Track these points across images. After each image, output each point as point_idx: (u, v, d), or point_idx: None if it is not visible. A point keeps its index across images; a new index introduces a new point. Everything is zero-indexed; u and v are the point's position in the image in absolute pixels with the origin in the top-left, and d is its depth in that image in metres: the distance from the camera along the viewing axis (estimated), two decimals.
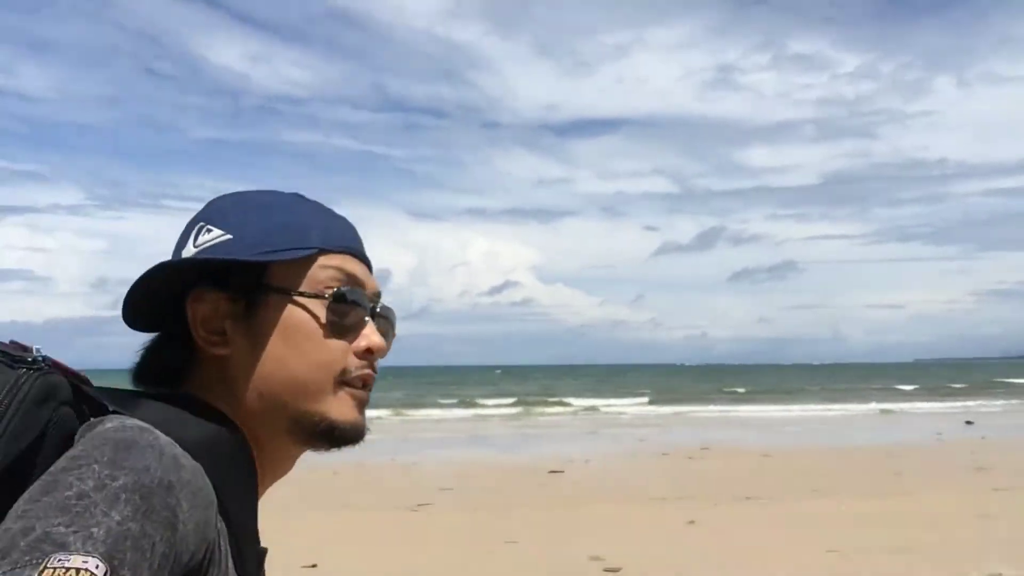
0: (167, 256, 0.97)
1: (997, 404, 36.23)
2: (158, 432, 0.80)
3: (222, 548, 0.82)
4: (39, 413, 0.80)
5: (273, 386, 0.92)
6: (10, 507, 0.72)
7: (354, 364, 0.94)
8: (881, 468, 14.24)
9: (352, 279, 0.96)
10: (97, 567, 0.67)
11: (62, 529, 0.69)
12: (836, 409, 33.68)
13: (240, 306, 0.93)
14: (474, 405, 36.92)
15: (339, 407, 0.93)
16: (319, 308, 0.93)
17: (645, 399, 40.48)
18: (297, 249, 0.94)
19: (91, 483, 0.72)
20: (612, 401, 38.86)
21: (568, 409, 35.72)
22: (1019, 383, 54.92)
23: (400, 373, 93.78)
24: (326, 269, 0.95)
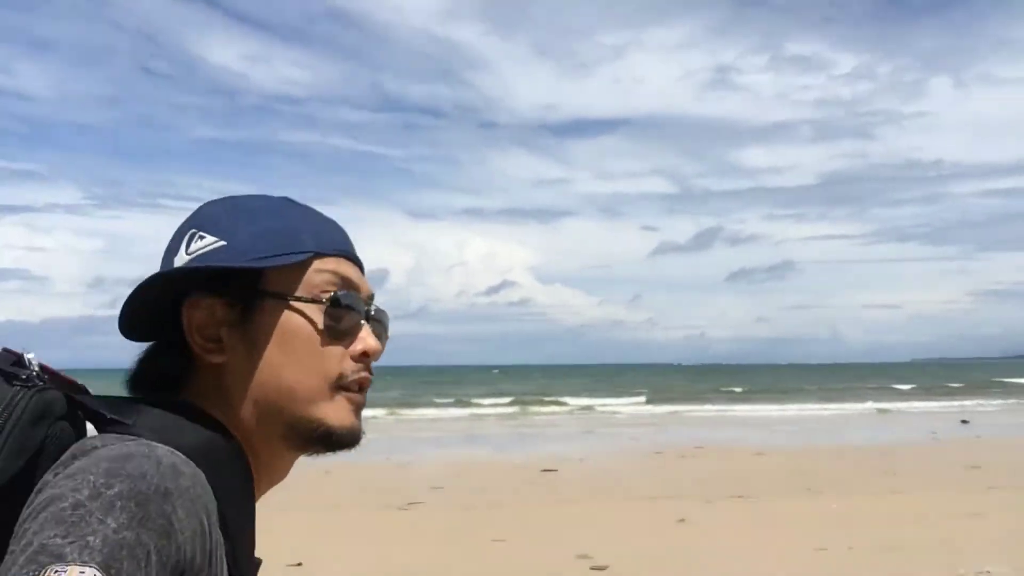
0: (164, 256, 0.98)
1: (994, 404, 36.24)
2: (156, 443, 0.80)
3: (218, 557, 0.81)
4: (35, 432, 0.81)
5: (270, 392, 0.91)
6: (13, 521, 0.74)
7: (350, 368, 0.93)
8: (874, 467, 14.19)
9: (347, 282, 0.96)
10: None
11: (58, 541, 0.69)
12: (832, 408, 33.66)
13: (236, 312, 0.93)
14: (470, 404, 36.86)
15: (336, 412, 0.93)
16: (316, 313, 0.93)
17: (642, 399, 40.45)
18: (292, 254, 0.93)
19: (86, 492, 0.72)
20: (608, 401, 38.83)
21: (564, 408, 35.70)
22: (1016, 383, 54.96)
23: (397, 373, 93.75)
24: (321, 273, 0.94)
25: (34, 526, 0.71)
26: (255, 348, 0.92)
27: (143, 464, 0.76)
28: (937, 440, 19.79)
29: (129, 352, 0.97)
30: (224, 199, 1.00)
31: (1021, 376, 62.39)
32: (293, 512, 9.26)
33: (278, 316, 0.92)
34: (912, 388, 49.15)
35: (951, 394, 43.39)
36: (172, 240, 0.98)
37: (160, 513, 0.73)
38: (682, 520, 9.38)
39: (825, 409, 33.50)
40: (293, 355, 0.92)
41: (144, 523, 0.72)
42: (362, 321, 0.95)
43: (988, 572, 6.89)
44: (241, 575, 0.86)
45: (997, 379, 60.93)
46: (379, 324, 0.98)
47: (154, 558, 0.71)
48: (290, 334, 0.92)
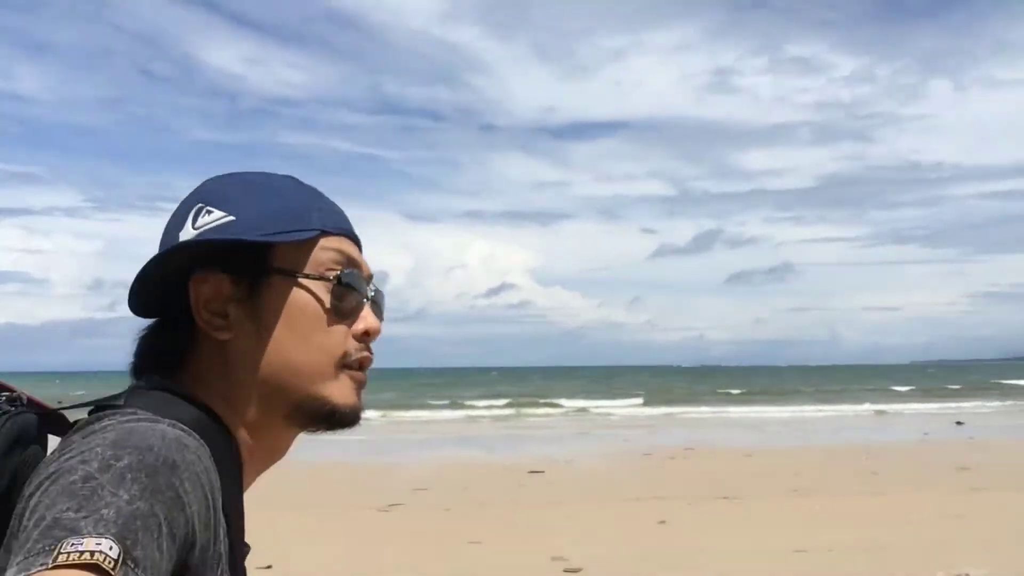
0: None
1: (990, 405, 36.12)
2: (158, 417, 0.82)
3: (220, 533, 0.82)
4: (9, 460, 0.81)
5: (276, 369, 0.91)
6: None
7: (354, 347, 0.94)
8: (862, 468, 14.10)
9: (351, 261, 0.96)
10: (111, 548, 0.67)
11: (71, 514, 0.69)
12: (829, 410, 33.54)
13: (243, 288, 0.92)
14: (464, 406, 36.75)
15: (341, 390, 0.93)
16: (322, 291, 0.93)
17: (639, 400, 40.34)
18: (300, 231, 0.93)
19: (96, 465, 0.73)
20: (603, 402, 38.70)
21: (558, 410, 35.56)
22: (1014, 384, 54.87)
23: (395, 375, 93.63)
24: (327, 251, 0.95)
25: (45, 500, 0.71)
26: (262, 325, 0.92)
27: (148, 436, 0.76)
28: (929, 441, 19.70)
29: (130, 355, 0.97)
30: (229, 175, 0.99)
31: (1019, 378, 62.31)
32: (271, 512, 9.17)
33: (286, 293, 0.92)
34: (910, 390, 49.02)
35: (948, 396, 43.23)
36: (175, 215, 0.97)
37: (169, 485, 0.73)
38: (663, 522, 9.30)
39: (821, 411, 33.39)
40: (300, 333, 0.92)
41: (155, 495, 0.72)
42: (364, 300, 0.96)
43: (967, 574, 6.80)
44: (234, 557, 0.86)
45: (995, 381, 60.85)
46: (377, 305, 0.99)
47: (165, 529, 0.72)
48: (297, 311, 0.92)
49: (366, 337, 0.95)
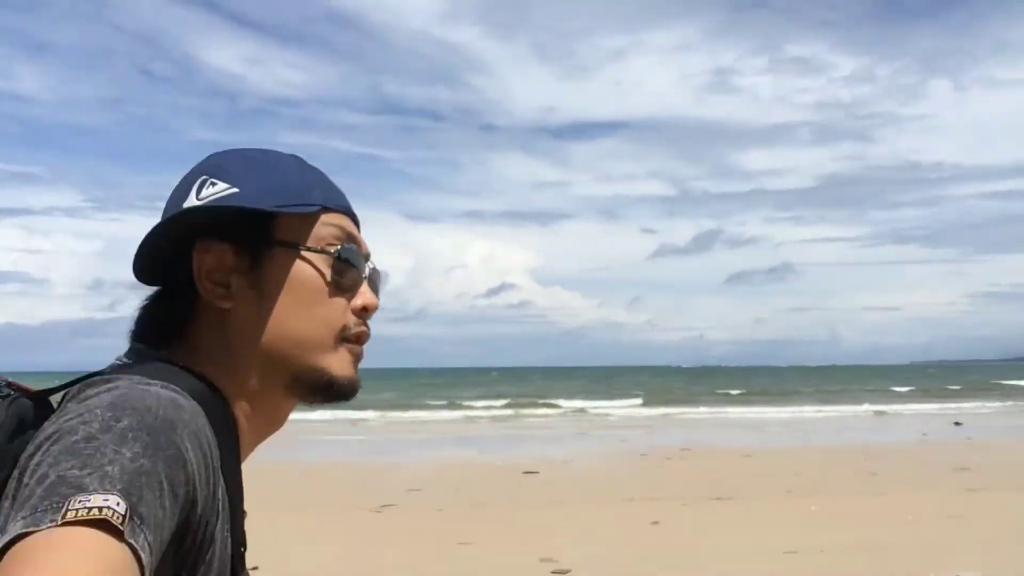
0: None
1: (990, 406, 36.00)
2: (152, 379, 0.83)
3: (220, 493, 0.83)
4: (12, 447, 0.81)
5: (277, 339, 0.93)
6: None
7: (353, 321, 0.96)
8: (860, 468, 14.00)
9: (352, 238, 0.98)
10: (118, 504, 0.68)
11: (76, 472, 0.69)
12: (828, 411, 33.43)
13: (246, 259, 0.94)
14: (463, 407, 36.64)
15: (340, 362, 0.95)
16: (324, 264, 0.95)
17: (638, 400, 40.23)
18: (303, 205, 0.95)
19: (96, 426, 0.73)
20: (602, 403, 38.59)
21: (557, 411, 35.45)
22: (1014, 385, 54.76)
23: (395, 375, 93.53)
24: (328, 227, 0.96)
25: (47, 459, 0.72)
26: (264, 295, 0.93)
27: (145, 397, 0.78)
28: (927, 442, 19.61)
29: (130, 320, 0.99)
30: (233, 150, 1.01)
31: (1019, 378, 62.21)
32: (262, 512, 9.08)
33: (288, 265, 0.94)
34: (909, 390, 48.90)
35: (948, 396, 43.12)
36: (179, 187, 0.97)
37: (169, 443, 0.75)
38: (656, 522, 9.22)
39: (820, 411, 33.30)
40: (302, 303, 0.93)
41: (156, 453, 0.73)
42: (363, 277, 0.98)
43: None
44: (235, 516, 0.88)
45: (995, 381, 60.76)
46: (373, 283, 1.01)
47: (167, 487, 0.73)
48: (299, 283, 0.94)
49: (364, 313, 0.97)
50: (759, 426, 25.67)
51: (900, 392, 47.44)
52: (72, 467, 0.70)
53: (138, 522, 0.69)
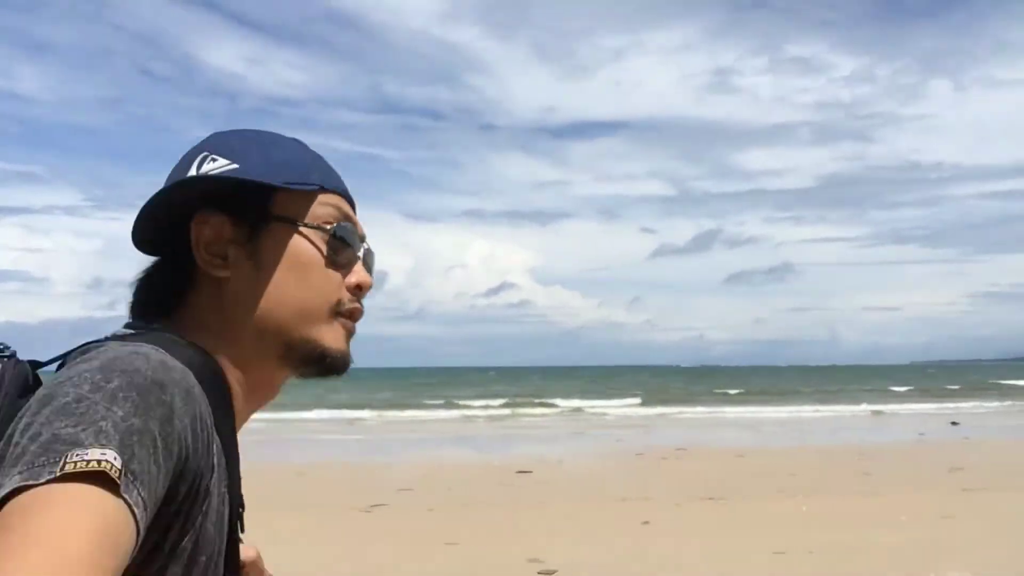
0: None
1: (989, 406, 35.92)
2: (142, 343, 0.84)
3: (214, 453, 0.84)
4: (16, 407, 0.81)
5: (272, 309, 0.94)
6: None
7: (347, 297, 0.98)
8: (854, 468, 13.93)
9: (348, 218, 1.01)
10: (115, 458, 0.69)
11: (70, 429, 0.71)
12: (826, 410, 33.36)
13: (243, 232, 0.95)
14: (459, 406, 36.55)
15: (333, 335, 0.97)
16: (320, 241, 0.97)
17: (636, 400, 40.15)
18: (302, 184, 0.97)
19: (87, 387, 0.75)
20: (599, 402, 38.51)
21: (554, 410, 35.36)
22: (1013, 384, 54.68)
23: (394, 375, 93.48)
24: (325, 207, 0.98)
25: (39, 419, 0.72)
26: (260, 266, 0.95)
27: (134, 360, 0.79)
28: (923, 441, 19.54)
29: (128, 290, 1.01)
30: (235, 130, 1.03)
31: (1018, 378, 62.13)
32: (254, 514, 9.05)
33: (286, 240, 0.96)
34: (909, 390, 48.82)
35: (947, 396, 43.04)
36: (180, 164, 0.99)
37: (159, 402, 0.76)
38: (646, 523, 9.14)
39: (818, 411, 33.23)
40: (298, 275, 0.95)
41: (147, 411, 0.74)
42: (358, 256, 1.00)
43: None
44: (232, 473, 0.89)
45: (994, 381, 60.68)
46: (367, 264, 1.03)
47: (160, 445, 0.74)
48: (296, 256, 0.95)
49: (358, 291, 1.00)
50: (756, 426, 25.60)
51: (899, 392, 47.36)
52: (66, 425, 0.71)
53: (131, 478, 0.70)
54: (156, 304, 0.97)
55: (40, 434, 0.71)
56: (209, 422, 0.84)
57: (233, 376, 0.94)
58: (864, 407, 34.34)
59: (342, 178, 1.04)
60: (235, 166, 0.95)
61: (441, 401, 39.56)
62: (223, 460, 0.87)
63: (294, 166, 0.98)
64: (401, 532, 8.93)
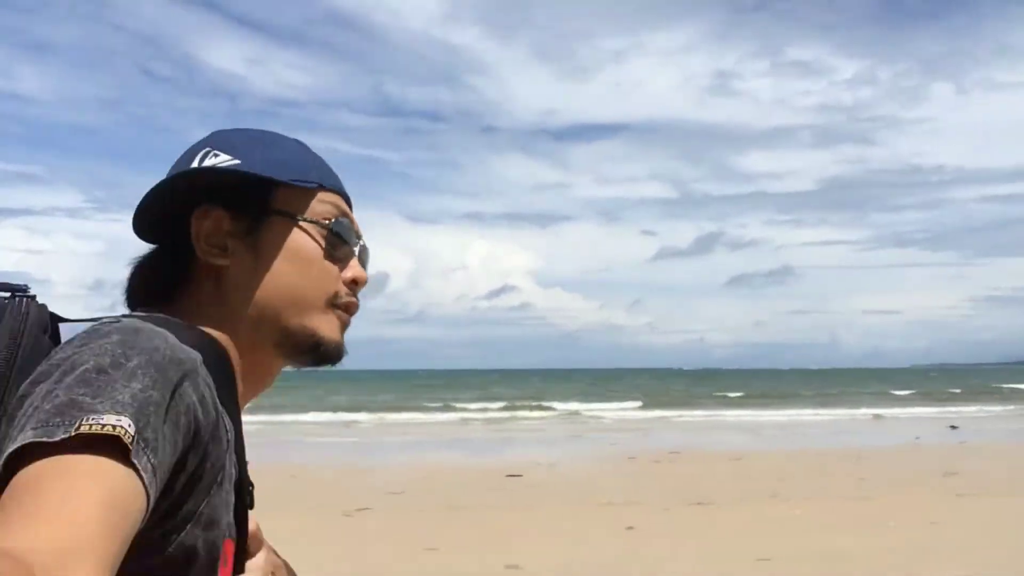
0: None
1: (989, 409, 35.75)
2: (158, 326, 0.86)
3: (223, 429, 0.87)
4: (41, 344, 0.86)
5: (269, 297, 0.97)
6: None
7: (344, 291, 1.01)
8: (849, 472, 13.79)
9: (345, 215, 1.04)
10: (129, 425, 0.72)
11: (88, 398, 0.73)
12: (825, 414, 33.26)
13: (243, 225, 0.98)
14: (457, 409, 36.42)
15: (328, 325, 1.00)
16: (318, 236, 1.00)
17: (636, 403, 40.00)
18: (302, 181, 1.00)
19: (108, 360, 0.77)
20: (596, 405, 38.37)
21: (551, 413, 35.23)
22: (1014, 388, 54.50)
23: (394, 377, 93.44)
24: (324, 204, 1.02)
25: (58, 387, 0.75)
26: (260, 257, 0.98)
27: (153, 338, 0.81)
28: (919, 446, 19.37)
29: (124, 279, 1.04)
30: (237, 128, 1.06)
31: (1020, 382, 61.91)
32: None
33: (285, 233, 0.99)
34: (910, 394, 48.67)
35: (948, 400, 42.91)
36: (181, 160, 1.02)
37: (174, 379, 0.79)
38: (631, 528, 9.00)
39: (817, 415, 33.11)
40: (296, 266, 0.98)
41: (164, 387, 0.77)
42: (354, 252, 1.04)
43: None
44: (240, 457, 0.93)
45: (995, 385, 60.48)
46: (363, 261, 1.06)
47: (172, 418, 0.77)
48: (294, 249, 0.98)
49: (354, 285, 1.03)
50: (754, 429, 25.47)
51: (899, 396, 47.21)
52: (84, 394, 0.73)
53: (143, 445, 0.72)
54: (156, 292, 0.99)
55: (58, 396, 0.73)
56: (217, 402, 0.86)
57: (234, 360, 0.97)
58: (864, 411, 34.20)
59: (341, 179, 1.07)
60: (237, 162, 0.98)
61: (439, 404, 39.42)
62: (231, 437, 0.90)
63: (295, 164, 1.01)
64: (381, 537, 8.80)
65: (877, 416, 31.94)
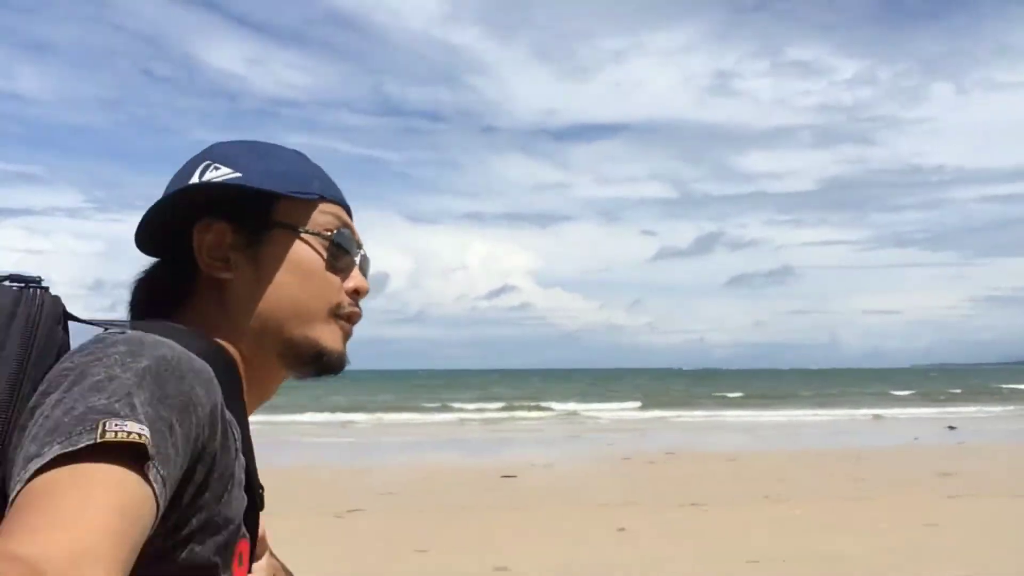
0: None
1: (988, 410, 35.67)
2: (165, 335, 0.86)
3: (232, 437, 0.88)
4: (56, 335, 0.85)
5: (272, 309, 0.98)
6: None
7: (346, 301, 1.02)
8: (845, 473, 13.71)
9: (346, 226, 1.04)
10: (150, 434, 0.73)
11: (103, 402, 0.74)
12: (825, 414, 33.17)
13: (245, 238, 0.98)
14: (455, 409, 36.34)
15: (330, 335, 1.00)
16: (320, 247, 1.00)
17: (634, 403, 39.92)
18: (303, 193, 1.01)
19: (118, 368, 0.77)
20: (595, 406, 38.30)
21: (549, 414, 35.14)
22: (1014, 388, 54.41)
23: (393, 377, 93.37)
24: (325, 215, 1.02)
25: (70, 396, 0.75)
26: (262, 269, 0.98)
27: (160, 347, 0.82)
28: (917, 446, 19.30)
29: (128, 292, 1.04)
30: (237, 140, 1.06)
31: (1020, 382, 61.82)
32: None
33: (287, 245, 0.99)
34: (909, 394, 48.58)
35: (947, 400, 42.84)
36: (181, 172, 1.02)
37: (182, 389, 0.79)
38: (622, 529, 8.92)
39: (816, 415, 33.03)
40: (298, 278, 0.99)
41: (166, 400, 0.77)
42: (355, 262, 1.04)
43: None
44: (250, 463, 0.93)
45: (995, 385, 60.39)
46: (363, 271, 1.06)
47: (179, 429, 0.77)
48: (296, 261, 0.99)
49: (356, 295, 1.03)
50: (752, 429, 25.40)
51: (899, 396, 47.13)
52: (99, 399, 0.73)
53: (155, 454, 0.73)
54: (159, 303, 1.00)
55: (74, 408, 0.73)
56: (226, 410, 0.87)
57: (240, 369, 0.98)
58: (864, 411, 34.12)
59: (340, 185, 1.07)
60: (238, 175, 0.98)
61: (437, 404, 39.33)
62: (241, 444, 0.90)
63: (295, 176, 1.02)
64: (370, 538, 8.73)
65: (877, 416, 31.87)
